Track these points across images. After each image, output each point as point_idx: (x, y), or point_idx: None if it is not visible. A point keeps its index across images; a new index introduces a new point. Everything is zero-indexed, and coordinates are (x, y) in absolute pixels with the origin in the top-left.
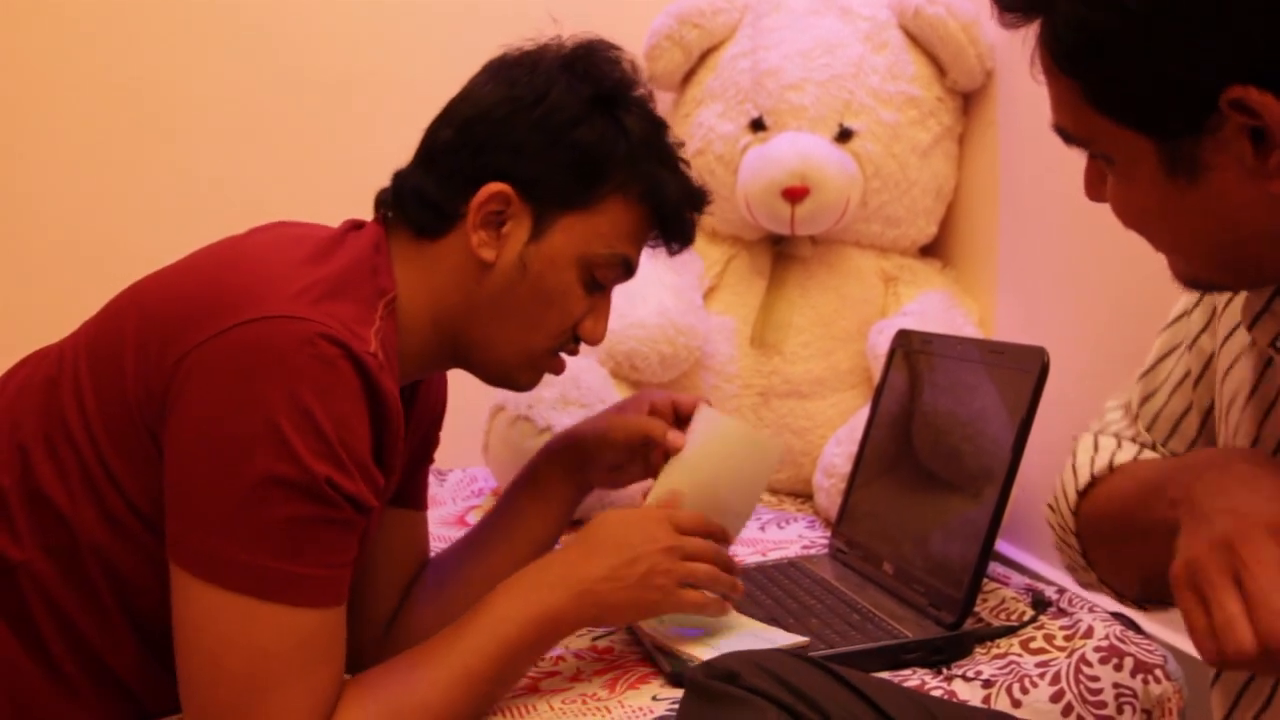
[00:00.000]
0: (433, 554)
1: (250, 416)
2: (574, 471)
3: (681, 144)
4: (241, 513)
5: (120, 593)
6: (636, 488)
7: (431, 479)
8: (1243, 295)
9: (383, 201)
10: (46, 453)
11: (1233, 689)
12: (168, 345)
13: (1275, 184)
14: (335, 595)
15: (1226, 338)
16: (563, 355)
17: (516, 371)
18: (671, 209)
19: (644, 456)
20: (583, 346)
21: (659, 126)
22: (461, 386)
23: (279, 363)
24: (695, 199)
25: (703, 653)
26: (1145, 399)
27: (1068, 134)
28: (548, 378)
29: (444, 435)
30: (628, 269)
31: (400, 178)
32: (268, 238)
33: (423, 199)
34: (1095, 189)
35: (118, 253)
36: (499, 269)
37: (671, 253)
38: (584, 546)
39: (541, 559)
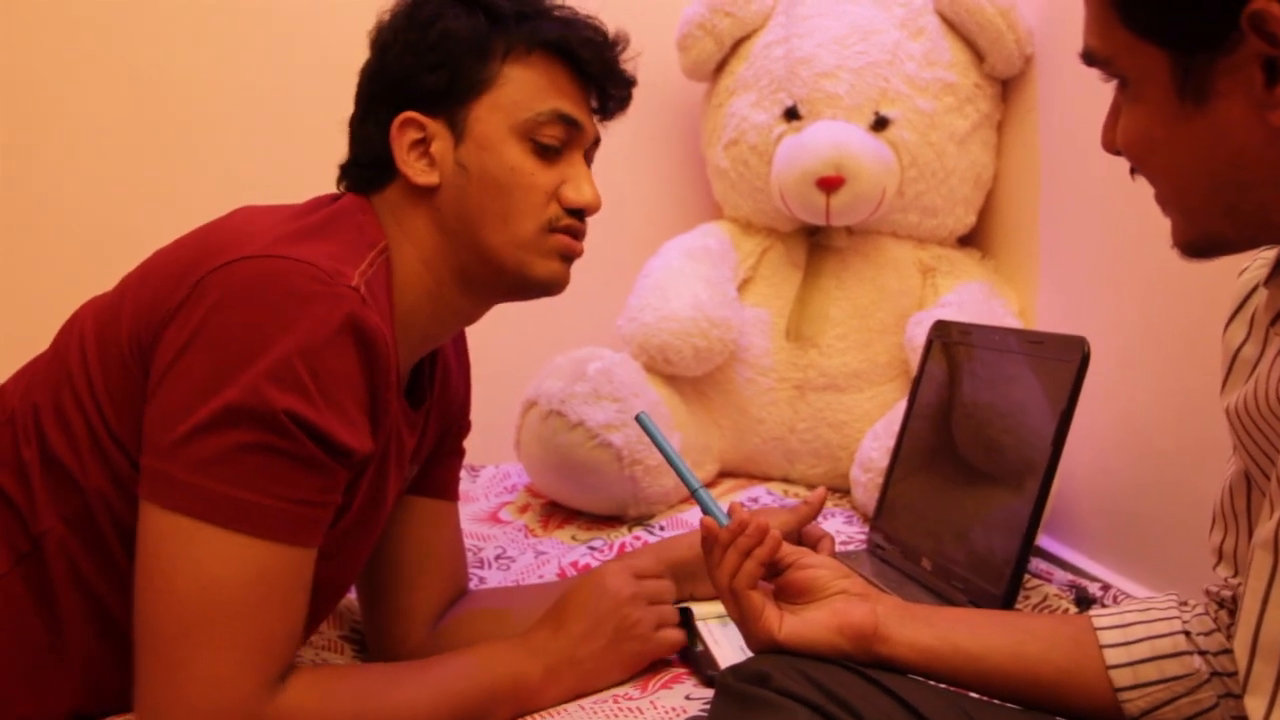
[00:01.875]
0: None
1: (216, 351)
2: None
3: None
4: (195, 438)
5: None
6: None
7: (464, 475)
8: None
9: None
10: (56, 420)
11: (1265, 693)
12: (156, 302)
13: (1278, 114)
14: (293, 533)
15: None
16: (571, 238)
17: (524, 268)
18: (569, 50)
19: None
20: (618, 337)
21: None
22: (494, 383)
23: (251, 298)
24: (593, 34)
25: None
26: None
27: (1092, 54)
28: (576, 369)
29: (477, 431)
30: (571, 124)
31: (342, 165)
32: (251, 209)
33: (359, 162)
34: (1109, 134)
35: (130, 245)
36: (446, 183)
37: (611, 107)
38: (555, 620)
39: (525, 630)
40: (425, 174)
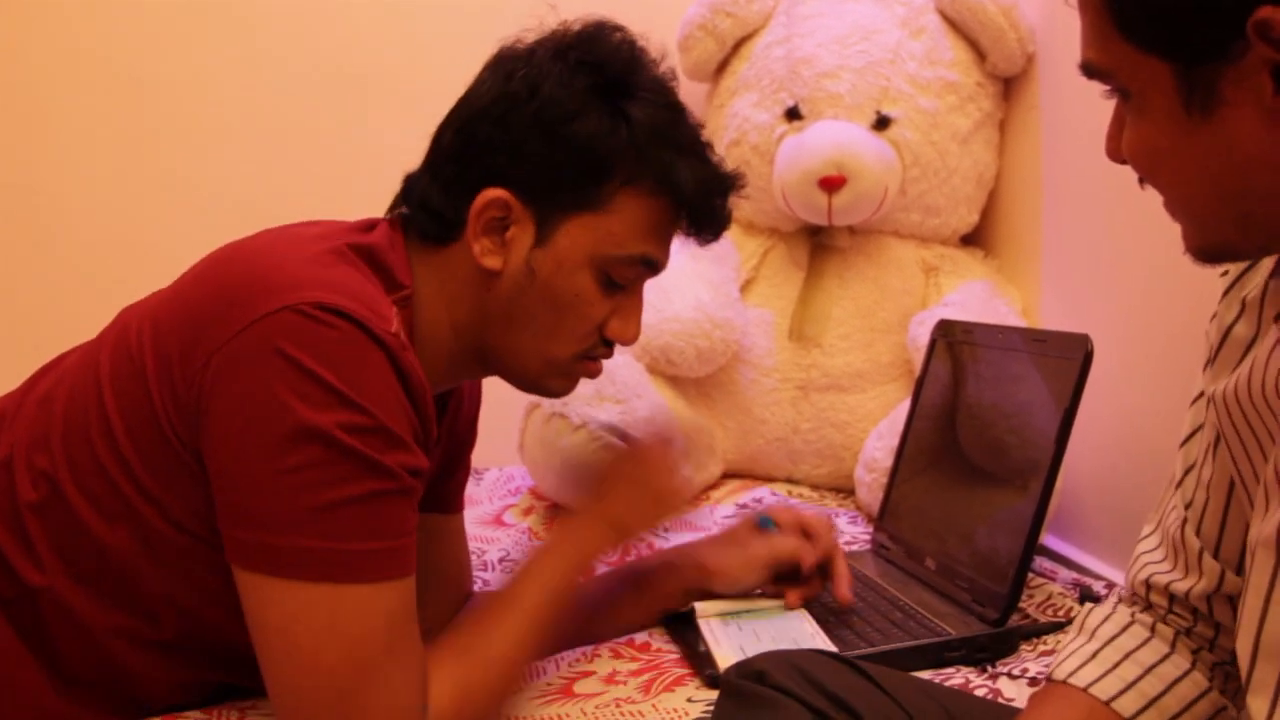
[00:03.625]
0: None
1: (284, 412)
2: (685, 592)
3: (702, 126)
4: (301, 503)
5: (151, 609)
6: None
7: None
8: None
9: (395, 205)
10: (75, 479)
11: (1268, 694)
12: (189, 355)
13: None
14: (408, 565)
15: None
16: (598, 360)
17: (543, 380)
18: (691, 198)
19: None
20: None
21: (672, 110)
22: (498, 386)
23: (302, 351)
24: (720, 184)
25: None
26: (1187, 507)
27: (1091, 67)
28: None
29: (481, 435)
30: (650, 266)
31: (409, 182)
32: (273, 236)
33: (427, 207)
34: (1114, 143)
35: (133, 255)
36: (507, 276)
37: (701, 243)
38: (600, 491)
39: (566, 519)
40: (491, 257)
